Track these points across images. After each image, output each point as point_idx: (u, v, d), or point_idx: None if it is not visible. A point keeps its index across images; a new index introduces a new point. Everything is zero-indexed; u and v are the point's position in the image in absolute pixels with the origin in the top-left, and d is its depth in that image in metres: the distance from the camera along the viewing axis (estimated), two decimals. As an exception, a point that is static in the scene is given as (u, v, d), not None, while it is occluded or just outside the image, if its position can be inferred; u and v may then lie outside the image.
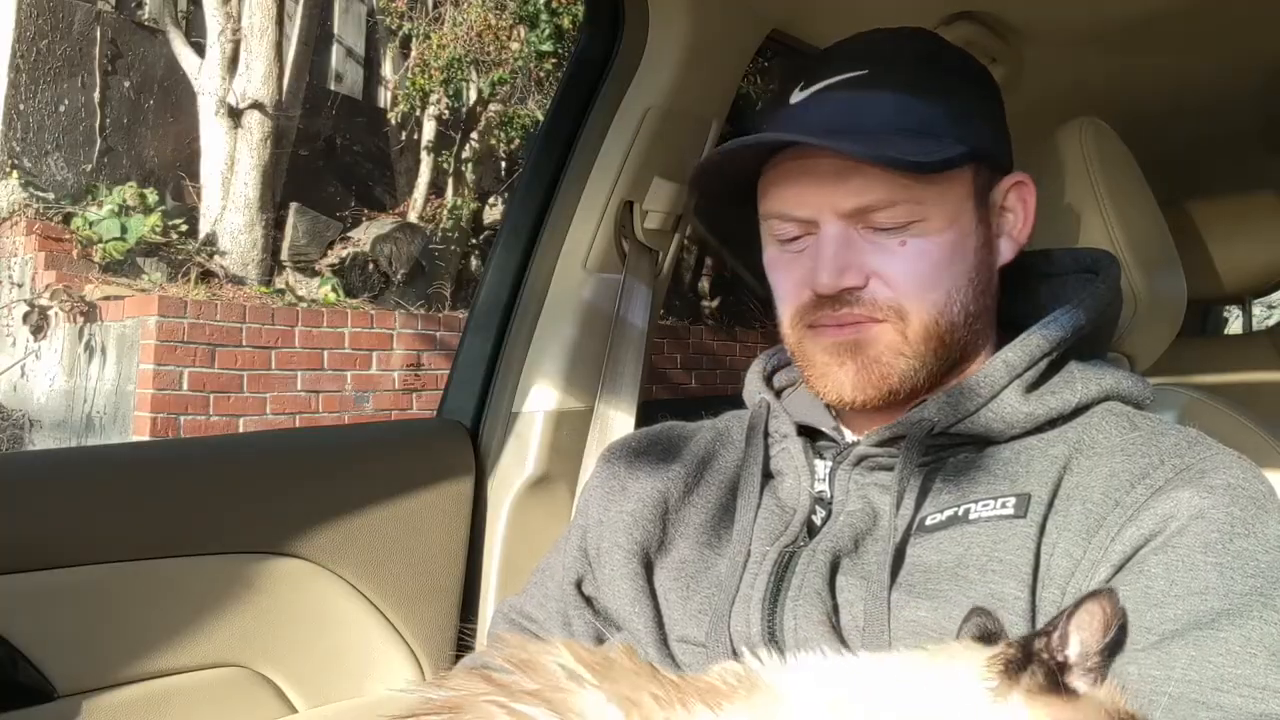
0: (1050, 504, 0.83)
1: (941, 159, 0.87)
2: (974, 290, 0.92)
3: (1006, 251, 0.97)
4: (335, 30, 8.02)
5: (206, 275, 5.99)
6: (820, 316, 0.91)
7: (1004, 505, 0.84)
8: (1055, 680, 0.65)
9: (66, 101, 6.24)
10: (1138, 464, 0.83)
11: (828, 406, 1.01)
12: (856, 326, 0.90)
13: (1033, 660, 0.66)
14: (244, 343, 5.38)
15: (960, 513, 0.85)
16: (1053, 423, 0.90)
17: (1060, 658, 0.67)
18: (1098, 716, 0.65)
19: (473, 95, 7.52)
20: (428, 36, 7.42)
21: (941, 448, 0.90)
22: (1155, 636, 0.72)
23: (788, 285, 0.94)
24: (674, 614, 0.95)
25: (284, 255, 6.56)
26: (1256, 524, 0.76)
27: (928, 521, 0.86)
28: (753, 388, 1.05)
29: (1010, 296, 1.00)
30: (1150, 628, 0.73)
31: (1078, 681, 0.67)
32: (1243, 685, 0.68)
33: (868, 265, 0.89)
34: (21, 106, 6.05)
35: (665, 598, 0.96)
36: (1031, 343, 0.91)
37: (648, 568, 0.99)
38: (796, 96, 0.92)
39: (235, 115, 6.25)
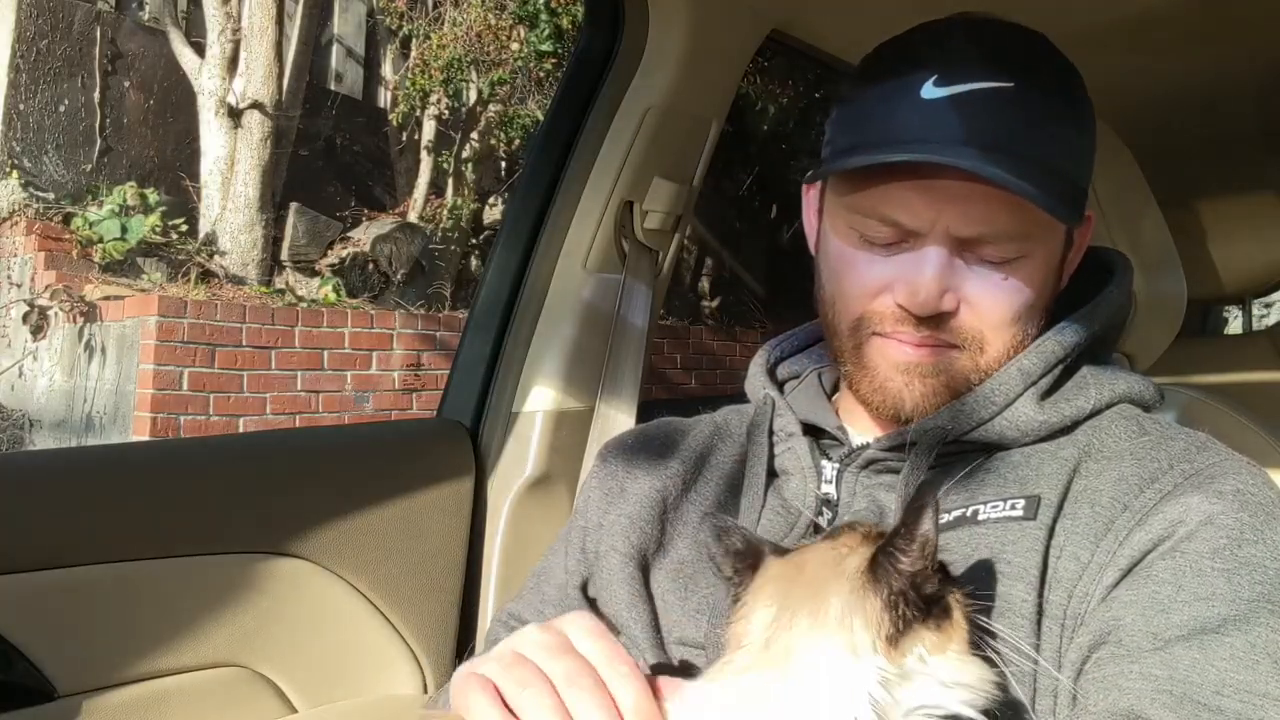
0: (1059, 507, 0.83)
1: (1081, 210, 0.86)
2: (1042, 323, 0.91)
3: (1062, 281, 0.95)
4: (335, 30, 8.02)
5: (206, 275, 5.99)
6: (897, 331, 0.88)
7: (1013, 507, 0.83)
8: (938, 612, 0.66)
9: (66, 101, 6.24)
10: (1147, 468, 0.82)
11: (831, 403, 1.01)
12: (935, 349, 0.88)
13: (919, 605, 0.65)
14: (244, 343, 5.38)
15: (968, 514, 0.84)
16: (1065, 429, 0.89)
17: (931, 589, 0.66)
18: (965, 627, 0.67)
19: (473, 95, 7.52)
20: (428, 36, 7.43)
21: (952, 453, 0.89)
22: (1161, 641, 0.72)
23: (862, 287, 0.89)
24: (672, 615, 0.94)
25: (284, 255, 6.57)
26: (1265, 530, 0.76)
27: None
28: (756, 382, 1.03)
29: None
30: (1156, 633, 0.72)
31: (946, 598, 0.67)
32: (1243, 691, 0.68)
33: (963, 291, 0.86)
34: (21, 106, 6.05)
35: (663, 599, 0.96)
36: (1047, 349, 0.89)
37: (644, 570, 0.98)
38: (930, 91, 0.84)
39: (235, 115, 6.26)
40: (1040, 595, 0.79)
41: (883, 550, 0.66)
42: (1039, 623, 0.79)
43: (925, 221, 0.85)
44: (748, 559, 0.73)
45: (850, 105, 0.92)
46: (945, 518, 0.85)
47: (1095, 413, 0.89)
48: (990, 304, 0.87)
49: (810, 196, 1.00)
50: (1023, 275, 0.87)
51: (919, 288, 0.85)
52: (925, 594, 0.66)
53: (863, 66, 0.94)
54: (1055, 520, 0.82)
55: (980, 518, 0.84)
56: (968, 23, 0.90)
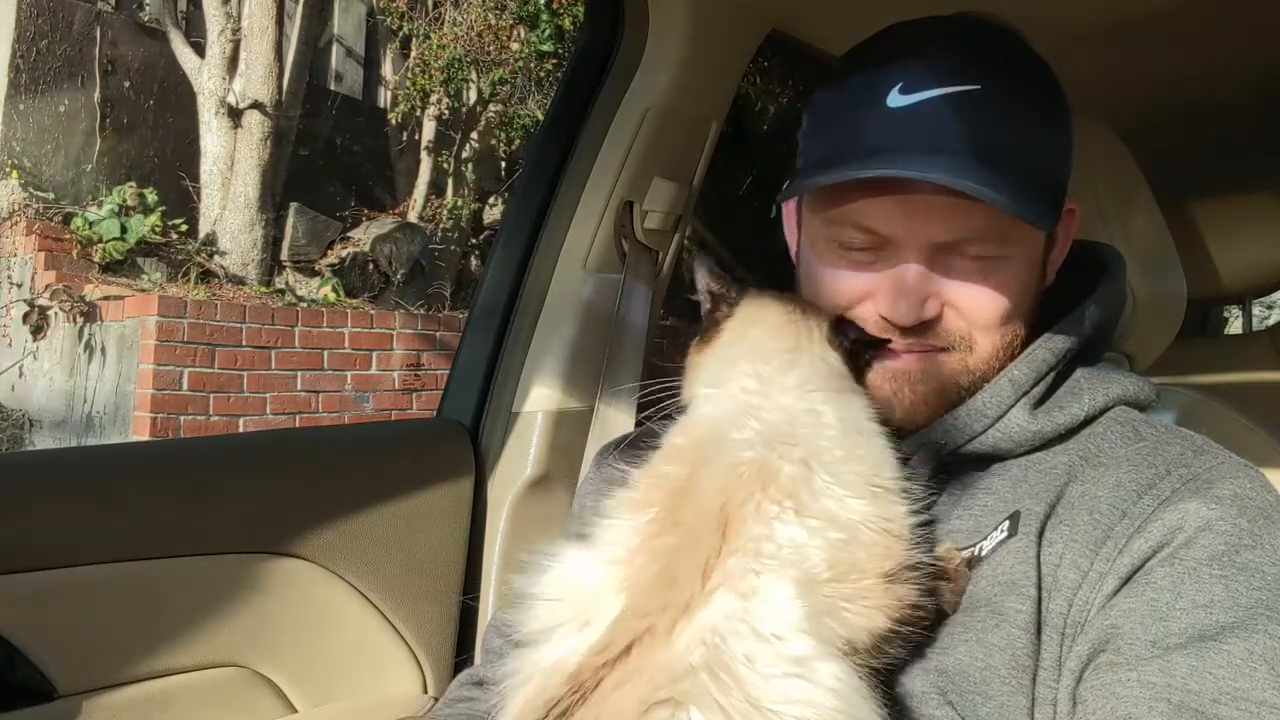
0: (1049, 514, 0.83)
1: (1056, 214, 0.86)
2: (1028, 320, 0.91)
3: (1048, 277, 0.95)
4: (335, 30, 8.02)
5: (206, 275, 5.99)
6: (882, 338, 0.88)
7: (1001, 530, 0.84)
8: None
9: (66, 101, 6.24)
10: (1144, 474, 0.82)
11: None
12: (923, 355, 0.88)
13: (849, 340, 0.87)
14: (244, 343, 5.38)
15: (977, 552, 0.85)
16: (1060, 436, 0.88)
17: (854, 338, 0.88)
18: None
19: (473, 95, 7.52)
20: (428, 36, 7.43)
21: (947, 465, 0.89)
22: (1160, 649, 0.72)
23: (844, 296, 0.89)
24: None
25: (284, 255, 6.57)
26: (1264, 535, 0.76)
27: None
28: None
29: None
30: (1155, 640, 0.72)
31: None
32: (1240, 699, 0.68)
33: (945, 295, 0.86)
34: (21, 106, 6.05)
35: None
36: (1038, 358, 0.89)
37: None
38: (896, 100, 0.84)
39: (235, 115, 6.26)
40: (1038, 604, 0.79)
41: (838, 320, 0.87)
42: (1038, 632, 0.79)
43: (902, 230, 0.85)
44: (738, 285, 0.92)
45: (819, 115, 0.92)
46: (963, 555, 0.85)
47: (1090, 419, 0.89)
48: (975, 306, 0.86)
49: (789, 210, 1.00)
50: (1005, 275, 0.86)
51: (900, 299, 0.85)
52: (865, 358, 0.87)
53: (832, 74, 0.94)
54: (1044, 528, 0.82)
55: (983, 554, 0.84)
56: (934, 25, 0.90)
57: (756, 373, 0.83)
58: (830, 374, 0.84)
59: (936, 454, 0.88)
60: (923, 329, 0.87)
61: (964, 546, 0.85)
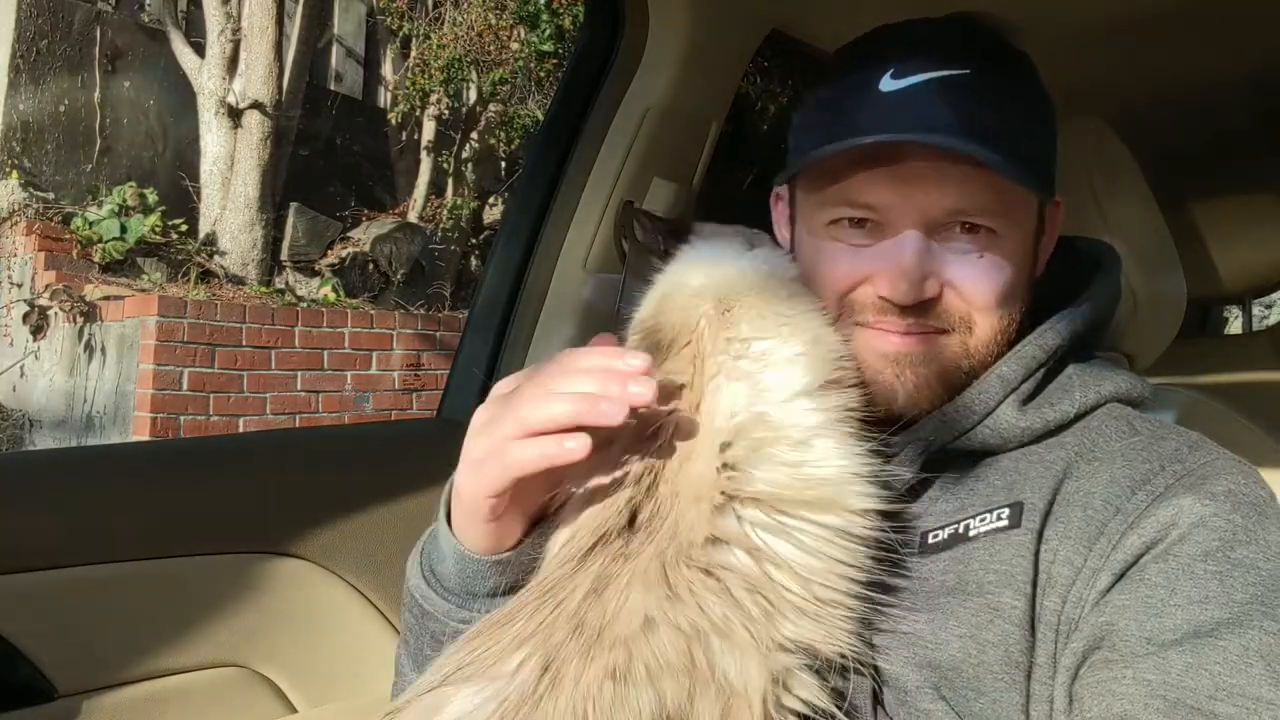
0: (1048, 510, 0.83)
1: (1046, 191, 0.87)
2: (1024, 308, 0.91)
3: (1039, 266, 0.95)
4: (335, 30, 8.02)
5: (206, 275, 5.99)
6: (882, 320, 0.88)
7: (999, 517, 0.83)
8: None
9: (66, 101, 6.24)
10: (1138, 470, 0.82)
11: None
12: (924, 337, 0.87)
13: None
14: (244, 343, 5.39)
15: (960, 529, 0.84)
16: (1051, 432, 0.88)
17: None
18: None
19: (473, 95, 7.53)
20: (428, 36, 7.44)
21: (939, 460, 0.89)
22: (1155, 646, 0.72)
23: (843, 277, 0.89)
24: None
25: (284, 255, 6.57)
26: (1258, 531, 0.76)
27: (929, 539, 0.85)
28: None
29: None
30: (1150, 637, 0.72)
31: None
32: (1236, 695, 0.68)
33: (944, 275, 0.86)
34: (21, 106, 6.06)
35: None
36: (1027, 354, 0.89)
37: None
38: (888, 84, 0.85)
39: (235, 115, 6.26)
40: (1032, 601, 0.79)
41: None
42: (1033, 628, 0.79)
43: (896, 201, 0.85)
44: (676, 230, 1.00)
45: (811, 108, 0.93)
46: (940, 535, 0.85)
47: (1081, 415, 0.89)
48: (973, 284, 0.87)
49: (780, 208, 1.01)
50: (999, 253, 0.87)
51: (900, 278, 0.85)
52: None
53: (822, 71, 0.95)
54: (1044, 524, 0.82)
55: (971, 533, 0.83)
56: (920, 21, 0.92)
57: (708, 255, 0.93)
58: (774, 252, 0.96)
59: (925, 450, 0.87)
60: (922, 309, 0.86)
61: (945, 524, 0.85)
